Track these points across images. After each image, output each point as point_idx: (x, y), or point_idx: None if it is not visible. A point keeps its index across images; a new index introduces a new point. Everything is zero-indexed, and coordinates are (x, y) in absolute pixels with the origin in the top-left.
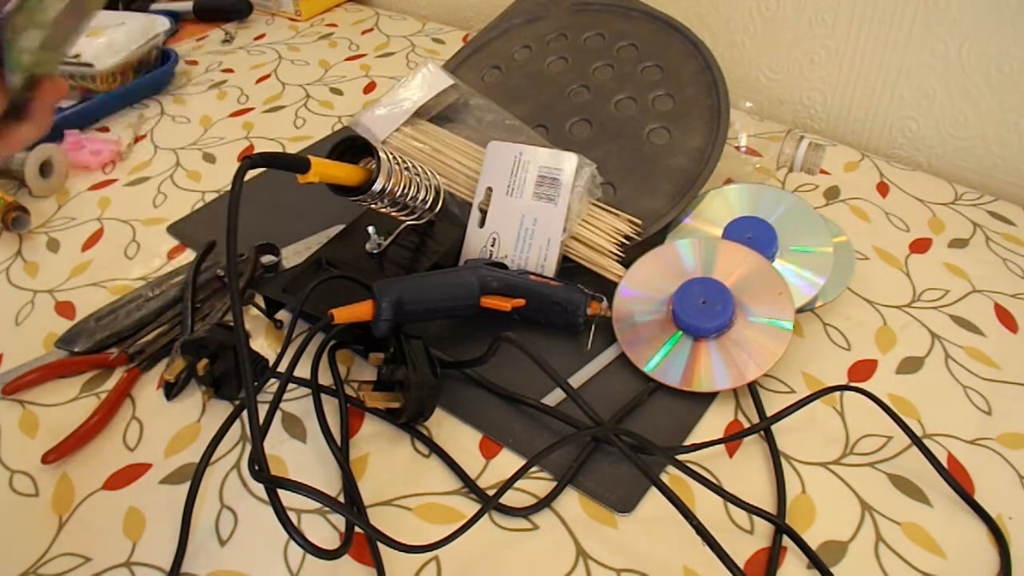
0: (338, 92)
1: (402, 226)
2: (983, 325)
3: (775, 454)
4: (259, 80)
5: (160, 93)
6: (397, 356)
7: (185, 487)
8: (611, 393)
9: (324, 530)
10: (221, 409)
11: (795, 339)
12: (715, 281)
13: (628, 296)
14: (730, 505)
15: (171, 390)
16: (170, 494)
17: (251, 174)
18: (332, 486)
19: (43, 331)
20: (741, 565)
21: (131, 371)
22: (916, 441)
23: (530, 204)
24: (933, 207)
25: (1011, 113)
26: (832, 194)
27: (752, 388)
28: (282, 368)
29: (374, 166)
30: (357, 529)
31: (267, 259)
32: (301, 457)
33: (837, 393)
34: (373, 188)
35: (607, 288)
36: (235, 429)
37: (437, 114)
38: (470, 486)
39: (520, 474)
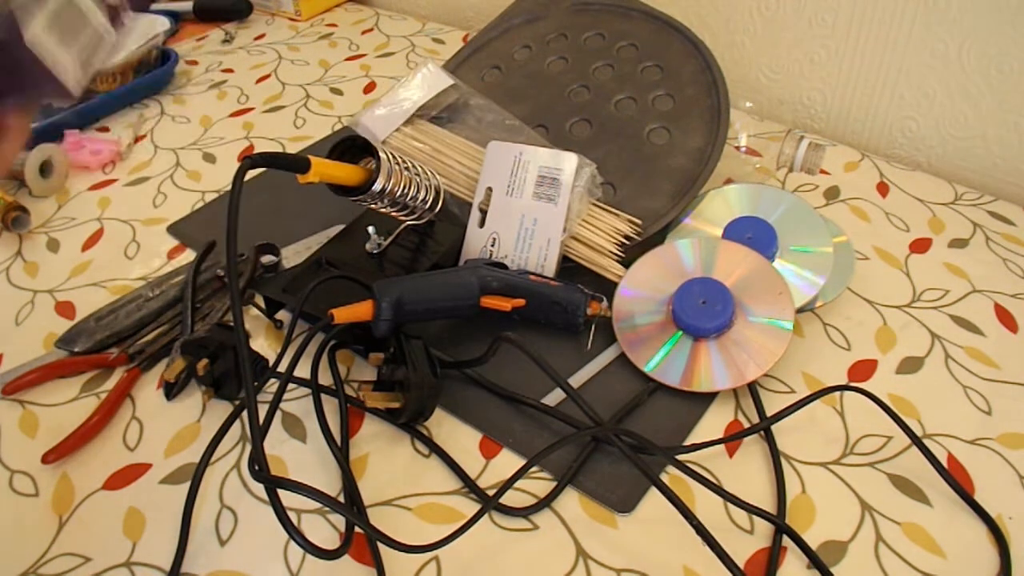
0: (338, 92)
1: (402, 226)
2: (983, 325)
3: (775, 454)
4: (259, 80)
5: (160, 93)
6: (397, 356)
7: (185, 487)
8: (611, 393)
9: (324, 530)
10: (221, 409)
11: (795, 339)
12: (715, 281)
13: (628, 296)
14: (730, 505)
15: (171, 390)
16: (170, 494)
17: (251, 174)
18: (332, 486)
19: (43, 331)
20: (741, 565)
21: (131, 371)
22: (916, 441)
23: (530, 204)
24: (933, 207)
25: (1011, 113)
26: (832, 194)
27: (752, 388)
28: (282, 368)
29: (374, 166)
30: (357, 529)
31: (267, 259)
32: (301, 457)
33: (837, 393)
34: (373, 188)
35: (607, 288)
36: (235, 429)
37: (437, 114)
38: (470, 486)
39: (520, 474)
